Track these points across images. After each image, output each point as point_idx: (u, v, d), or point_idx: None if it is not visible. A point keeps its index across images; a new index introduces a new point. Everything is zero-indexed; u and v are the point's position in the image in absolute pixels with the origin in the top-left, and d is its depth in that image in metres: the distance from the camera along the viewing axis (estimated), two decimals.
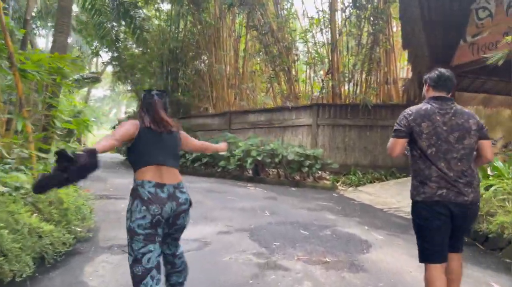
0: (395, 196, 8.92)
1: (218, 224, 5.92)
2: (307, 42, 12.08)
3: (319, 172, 11.38)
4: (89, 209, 5.52)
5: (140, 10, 17.00)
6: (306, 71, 13.41)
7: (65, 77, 6.18)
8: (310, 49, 12.78)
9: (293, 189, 10.42)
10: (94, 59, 36.53)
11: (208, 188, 9.66)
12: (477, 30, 10.02)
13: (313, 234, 5.48)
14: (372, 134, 11.78)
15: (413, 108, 2.78)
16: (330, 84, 11.84)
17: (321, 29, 12.10)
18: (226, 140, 13.37)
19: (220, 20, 15.12)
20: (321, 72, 12.76)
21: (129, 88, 21.13)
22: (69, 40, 29.95)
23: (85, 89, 39.96)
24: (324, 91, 12.02)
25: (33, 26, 22.28)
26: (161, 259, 2.58)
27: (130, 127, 2.51)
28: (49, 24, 22.63)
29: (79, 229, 4.39)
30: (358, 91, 11.97)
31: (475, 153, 2.75)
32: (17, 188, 4.15)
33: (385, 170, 11.36)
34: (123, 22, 17.50)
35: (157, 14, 17.38)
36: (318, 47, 12.29)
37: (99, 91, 52.76)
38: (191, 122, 16.54)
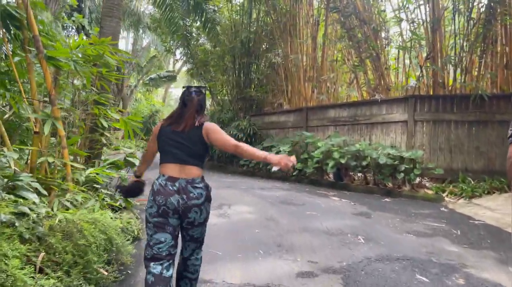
0: None
1: (297, 257, 4.40)
2: (400, 22, 10.02)
3: (418, 178, 9.34)
4: (132, 233, 4.33)
5: (211, 1, 16.01)
6: (397, 57, 11.32)
7: (109, 67, 5.07)
8: (404, 30, 10.69)
9: (386, 199, 8.55)
10: (171, 59, 37.17)
11: (282, 198, 8.18)
12: None
13: (437, 283, 3.73)
14: (486, 131, 9.42)
15: None
16: (431, 70, 9.68)
17: (419, 5, 9.94)
18: (295, 150, 11.83)
19: (296, 4, 13.53)
20: (418, 58, 10.59)
21: (203, 85, 20.40)
22: (146, 41, 30.49)
23: (163, 88, 40.94)
24: (422, 79, 9.89)
25: None
26: (177, 257, 2.73)
27: (152, 137, 2.85)
28: (127, 23, 22.90)
29: (105, 273, 3.14)
30: (467, 79, 9.65)
31: None
32: (22, 216, 3.01)
33: (504, 177, 8.97)
34: (193, 16, 16.69)
35: (228, 4, 16.27)
36: (414, 27, 10.16)
37: (179, 91, 54.19)
38: (264, 119, 15.19)
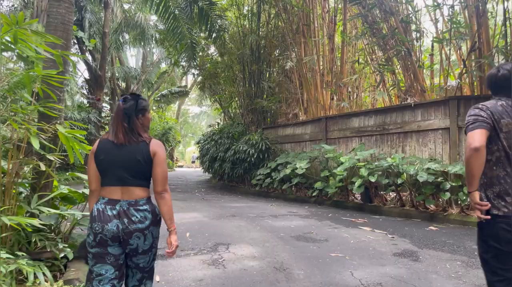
0: None
1: None
2: (436, 7, 8.26)
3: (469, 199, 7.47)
4: None
5: (216, 6, 14.65)
6: (431, 53, 9.56)
7: (27, 63, 3.58)
8: (440, 21, 8.93)
9: (431, 228, 6.73)
10: (184, 75, 36.13)
11: (299, 230, 6.46)
12: None
13: None
14: None
15: (487, 103, 2.30)
16: (476, 66, 7.88)
17: None
18: (314, 167, 10.09)
19: (309, 1, 11.97)
20: (459, 53, 8.80)
21: (212, 98, 18.94)
22: (156, 56, 29.52)
23: (176, 104, 39.87)
24: (466, 77, 8.10)
25: (120, 41, 21.65)
26: None
27: (90, 161, 2.46)
28: (131, 36, 21.77)
29: None
30: None
31: None
32: None
33: None
34: (199, 24, 15.36)
35: (235, 8, 14.87)
36: (452, 13, 8.40)
37: (195, 108, 53.44)
38: (277, 132, 13.54)
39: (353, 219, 7.56)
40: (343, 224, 7.09)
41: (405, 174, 7.93)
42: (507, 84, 2.34)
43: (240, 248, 5.20)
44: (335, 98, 11.49)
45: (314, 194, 10.09)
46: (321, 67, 11.92)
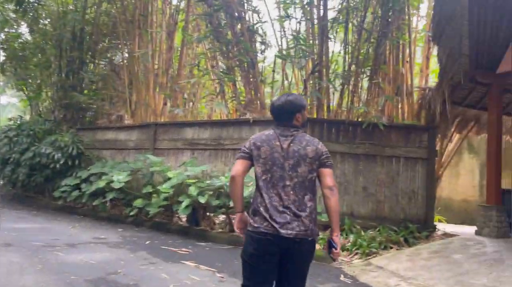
0: (453, 283, 4.84)
1: None
2: (283, 21, 7.85)
3: None
4: None
5: None
6: (274, 69, 9.18)
7: None
8: (286, 33, 8.56)
9: None
10: None
11: (99, 269, 4.74)
12: None
13: None
14: (375, 167, 7.77)
15: (258, 133, 2.64)
16: (316, 88, 7.67)
17: (305, 4, 7.91)
18: (135, 179, 8.56)
19: None
20: (302, 71, 8.56)
21: (17, 85, 15.18)
22: None
23: None
24: (307, 99, 7.83)
25: None
26: None
27: None
28: None
29: None
30: (355, 103, 7.96)
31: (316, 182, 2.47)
32: None
33: (395, 224, 7.35)
34: None
35: None
36: (299, 30, 8.11)
37: (2, 98, 44.66)
38: (96, 135, 11.30)
39: (175, 249, 6.22)
40: (162, 256, 5.68)
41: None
42: (275, 114, 2.61)
43: None
44: (168, 103, 10.13)
45: (132, 213, 8.40)
46: (156, 66, 10.44)
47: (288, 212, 2.37)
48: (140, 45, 10.58)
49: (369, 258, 6.25)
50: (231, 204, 7.02)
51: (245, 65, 8.63)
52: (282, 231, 2.32)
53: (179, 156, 9.21)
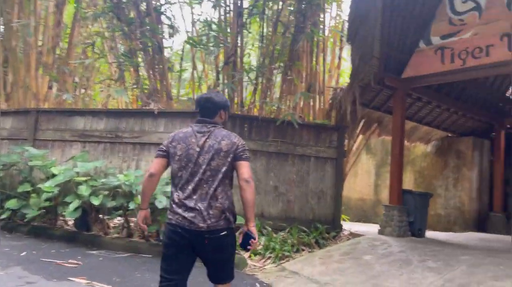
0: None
1: None
2: (194, 3, 7.10)
3: None
4: None
5: None
6: (182, 58, 8.38)
7: None
8: (197, 19, 7.82)
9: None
10: None
11: None
12: (452, 28, 6.99)
13: None
14: (286, 166, 7.53)
15: (176, 131, 2.72)
16: (231, 80, 7.13)
17: None
18: (9, 175, 7.12)
19: None
20: (215, 61, 7.91)
21: None
22: None
23: None
24: (220, 91, 7.24)
25: None
26: None
27: None
28: None
29: None
30: (268, 99, 7.62)
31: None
32: None
33: (305, 225, 7.21)
34: None
35: None
36: (212, 17, 7.49)
37: None
38: None
39: (61, 261, 5.13)
40: (43, 272, 4.60)
41: (139, 196, 6.17)
42: (200, 108, 2.68)
43: None
44: (55, 87, 8.65)
45: (3, 216, 6.92)
46: (40, 43, 8.85)
47: (200, 205, 2.44)
48: (20, 16, 8.86)
49: (283, 262, 5.94)
50: (131, 205, 6.14)
51: (150, 50, 7.71)
52: (193, 223, 2.41)
53: (66, 150, 7.90)
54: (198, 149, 2.51)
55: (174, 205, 2.50)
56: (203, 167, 2.48)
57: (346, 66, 9.55)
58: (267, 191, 7.40)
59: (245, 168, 2.51)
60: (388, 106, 8.34)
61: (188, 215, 2.42)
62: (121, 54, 7.78)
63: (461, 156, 10.17)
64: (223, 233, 2.47)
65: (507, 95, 10.22)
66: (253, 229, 2.52)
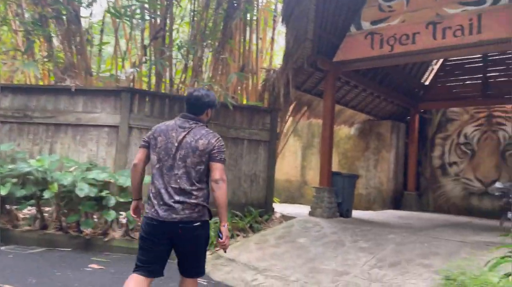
0: (307, 271, 4.75)
1: None
2: None
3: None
4: None
5: None
6: (103, 29, 7.54)
7: None
8: None
9: (94, 266, 4.69)
10: None
11: None
12: (381, 14, 7.16)
13: None
14: None
15: (161, 123, 2.75)
16: (159, 57, 6.58)
17: None
18: None
19: None
20: (141, 36, 7.22)
21: None
22: None
23: None
24: (146, 68, 6.66)
25: None
26: None
27: None
28: None
29: None
30: (200, 78, 7.23)
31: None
32: None
33: (238, 209, 7.05)
34: None
35: None
36: None
37: None
38: None
39: None
40: None
41: (56, 184, 5.49)
42: (189, 104, 2.68)
43: None
44: None
45: None
46: None
47: (174, 199, 2.50)
48: None
49: (218, 249, 5.72)
50: (46, 194, 5.47)
51: (65, 19, 6.82)
52: (167, 216, 2.48)
53: None
54: (176, 144, 2.56)
55: (151, 197, 2.56)
56: (179, 163, 2.55)
57: (278, 48, 9.44)
58: None
59: (217, 170, 2.55)
60: (318, 89, 8.41)
61: (163, 207, 2.49)
62: (31, 22, 6.76)
63: (381, 139, 10.73)
64: (197, 223, 2.53)
65: (421, 81, 10.92)
66: (222, 229, 2.57)
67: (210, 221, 2.68)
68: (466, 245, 5.36)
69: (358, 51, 7.30)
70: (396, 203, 10.67)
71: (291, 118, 8.84)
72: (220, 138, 2.66)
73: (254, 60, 7.81)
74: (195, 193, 2.53)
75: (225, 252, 2.87)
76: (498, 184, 5.43)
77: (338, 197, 7.56)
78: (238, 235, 6.25)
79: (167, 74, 6.95)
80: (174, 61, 7.44)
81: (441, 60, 10.74)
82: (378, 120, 10.83)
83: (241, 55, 7.62)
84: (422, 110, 10.87)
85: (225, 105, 6.81)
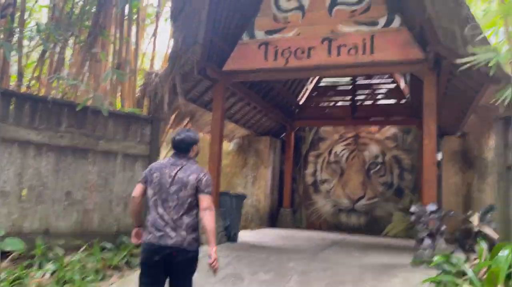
0: None
1: None
2: None
3: None
4: None
5: None
6: None
7: None
8: None
9: None
10: None
11: None
12: (276, 24, 6.77)
13: None
14: (86, 165, 5.80)
15: (157, 161, 3.23)
16: (7, 37, 4.91)
17: None
18: None
19: None
20: None
21: None
22: None
23: None
24: None
25: None
26: None
27: None
28: None
29: None
30: (58, 73, 5.71)
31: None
32: None
33: (109, 240, 5.71)
34: None
35: None
36: None
37: None
38: None
39: None
40: None
41: None
42: (176, 147, 2.99)
43: None
44: None
45: None
46: None
47: (168, 227, 2.80)
48: None
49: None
50: None
51: None
52: (162, 242, 2.78)
53: None
54: (169, 180, 2.87)
55: (148, 225, 2.84)
56: (173, 196, 2.85)
57: (160, 50, 8.33)
58: (56, 199, 5.52)
59: (205, 201, 2.85)
60: (204, 100, 7.61)
61: (158, 234, 2.78)
62: None
63: (259, 155, 10.44)
64: (187, 250, 2.79)
65: (297, 99, 11.06)
66: (210, 252, 2.76)
67: (199, 247, 2.88)
68: (367, 269, 5.16)
69: (251, 62, 6.75)
70: (273, 220, 10.46)
71: (171, 130, 7.80)
72: (207, 173, 2.93)
73: (132, 59, 6.58)
74: (185, 221, 2.82)
75: (214, 274, 2.85)
76: (412, 208, 5.38)
77: (226, 219, 6.82)
78: (111, 276, 4.92)
79: (17, 66, 5.25)
80: (24, 50, 5.72)
81: (315, 80, 11.07)
82: (257, 136, 10.54)
83: (117, 52, 6.32)
84: (297, 128, 10.98)
85: (96, 111, 5.47)
